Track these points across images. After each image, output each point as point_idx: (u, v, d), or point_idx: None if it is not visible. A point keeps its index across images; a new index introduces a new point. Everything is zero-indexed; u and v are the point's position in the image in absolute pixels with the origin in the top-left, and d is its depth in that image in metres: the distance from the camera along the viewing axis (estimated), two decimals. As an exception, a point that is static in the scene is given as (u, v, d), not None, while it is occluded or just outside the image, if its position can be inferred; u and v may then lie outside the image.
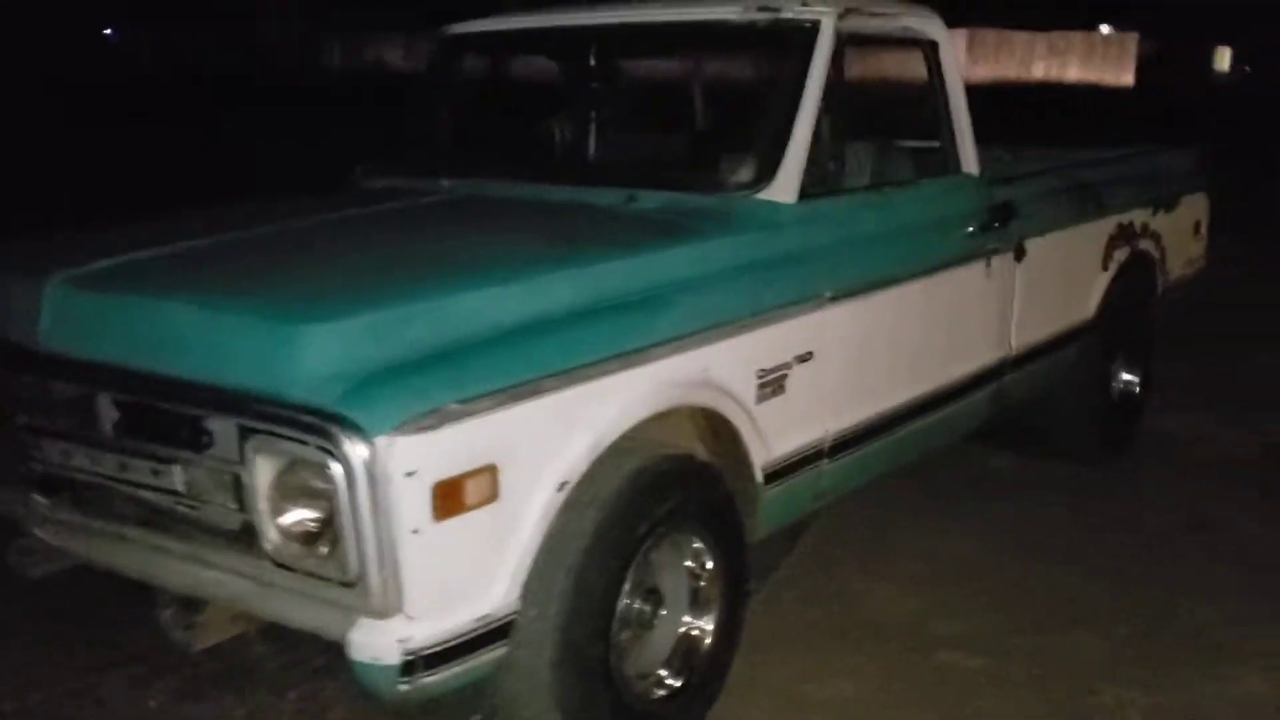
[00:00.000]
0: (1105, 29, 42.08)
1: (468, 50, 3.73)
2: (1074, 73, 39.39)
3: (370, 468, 1.88)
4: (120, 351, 2.21)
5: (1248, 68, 52.75)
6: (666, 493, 2.39)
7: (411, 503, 1.92)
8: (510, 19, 3.57)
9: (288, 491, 2.00)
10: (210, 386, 2.05)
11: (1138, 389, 4.68)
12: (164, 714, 2.76)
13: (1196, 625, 3.17)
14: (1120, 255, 4.32)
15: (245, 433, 1.99)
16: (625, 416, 2.28)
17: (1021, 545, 3.70)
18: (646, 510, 2.34)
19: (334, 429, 1.88)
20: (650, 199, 2.91)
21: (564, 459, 2.18)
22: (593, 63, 3.62)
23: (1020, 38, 39.80)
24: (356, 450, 1.87)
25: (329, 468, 1.89)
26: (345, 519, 1.91)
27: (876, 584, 3.44)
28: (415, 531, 1.93)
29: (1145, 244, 4.50)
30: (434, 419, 1.94)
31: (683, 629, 2.59)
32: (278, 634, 2.72)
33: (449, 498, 1.98)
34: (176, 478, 2.14)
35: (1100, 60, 40.85)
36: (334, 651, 2.86)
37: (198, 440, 2.09)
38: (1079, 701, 2.81)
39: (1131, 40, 41.80)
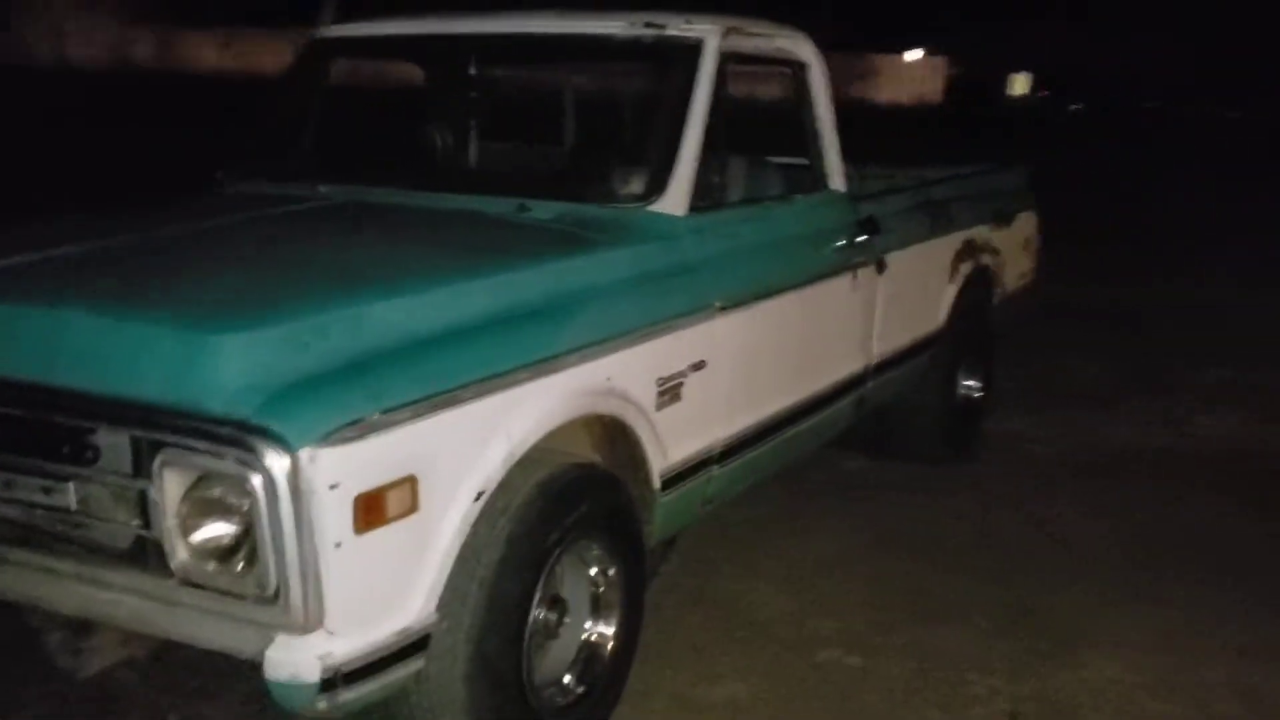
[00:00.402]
0: (918, 53, 44.17)
1: (339, 54, 3.65)
2: (886, 93, 41.13)
3: (292, 480, 1.83)
4: (5, 362, 2.08)
5: (1045, 91, 56.51)
6: (575, 501, 2.41)
7: (334, 515, 1.88)
8: (387, 24, 3.51)
9: (198, 507, 1.93)
10: (112, 399, 1.96)
11: (979, 394, 4.95)
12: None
13: (1049, 615, 3.37)
14: (965, 268, 4.56)
15: (152, 447, 1.91)
16: (538, 426, 2.29)
17: (882, 543, 3.87)
18: (556, 519, 2.35)
19: (254, 441, 1.83)
20: (542, 209, 2.92)
21: (481, 469, 2.17)
22: (474, 71, 3.60)
23: (836, 59, 41.24)
24: (278, 463, 1.82)
25: (248, 481, 1.84)
26: (265, 533, 1.86)
27: (754, 584, 3.53)
28: (337, 545, 1.89)
29: (986, 258, 4.77)
30: (356, 430, 1.91)
31: (584, 636, 2.61)
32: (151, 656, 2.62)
33: (371, 510, 1.94)
34: (70, 496, 2.03)
35: (912, 82, 42.84)
36: (210, 673, 2.84)
37: (95, 456, 1.99)
38: (954, 692, 2.95)
39: (942, 64, 44.08)
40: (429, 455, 2.06)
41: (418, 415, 2.02)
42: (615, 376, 2.52)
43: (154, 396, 1.93)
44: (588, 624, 2.61)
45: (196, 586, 1.97)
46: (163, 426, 1.90)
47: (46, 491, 2.05)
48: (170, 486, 1.92)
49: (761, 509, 4.02)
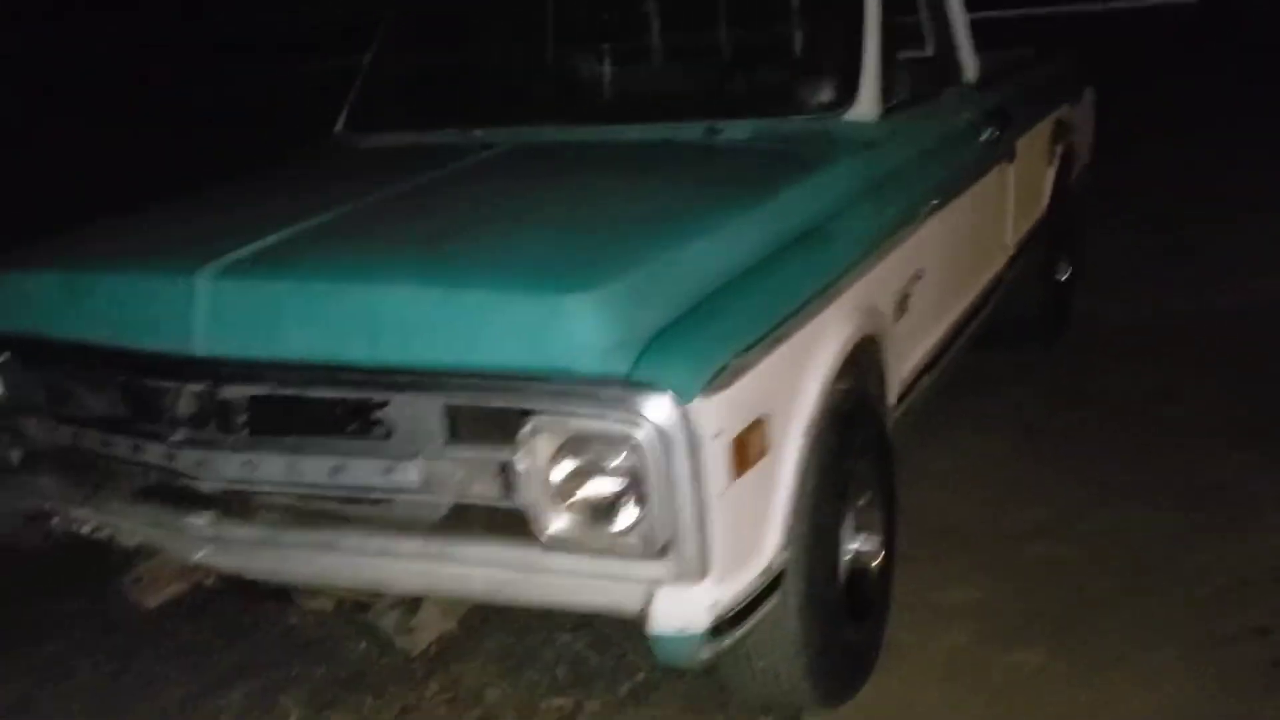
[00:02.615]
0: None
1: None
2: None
3: (684, 433, 1.79)
4: (315, 346, 1.99)
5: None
6: (858, 426, 2.39)
7: (718, 464, 1.85)
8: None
9: (575, 470, 1.88)
10: (463, 372, 1.88)
11: (1070, 276, 4.99)
12: (306, 727, 2.57)
13: (1223, 488, 3.41)
14: (1059, 150, 4.56)
15: (519, 416, 1.85)
16: (839, 353, 2.26)
17: (1027, 435, 3.89)
18: (850, 446, 2.34)
19: (642, 398, 1.78)
20: (733, 129, 2.84)
21: (804, 403, 2.14)
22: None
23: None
24: (669, 417, 1.78)
25: (636, 437, 1.79)
26: (654, 488, 1.82)
27: (924, 490, 3.48)
28: (720, 493, 1.86)
29: (1071, 138, 4.77)
30: (727, 376, 1.87)
31: (849, 557, 2.61)
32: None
33: (742, 455, 1.91)
34: (413, 473, 1.97)
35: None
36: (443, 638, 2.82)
37: (441, 431, 1.93)
38: (1175, 568, 3.01)
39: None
40: (771, 395, 2.03)
41: (763, 354, 1.98)
42: (874, 293, 2.50)
43: (508, 363, 1.86)
44: (852, 545, 2.61)
45: (564, 550, 1.93)
46: (531, 394, 1.84)
47: (387, 472, 1.98)
48: (540, 453, 1.87)
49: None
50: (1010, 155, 3.76)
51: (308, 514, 2.27)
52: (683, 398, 1.79)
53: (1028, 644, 2.71)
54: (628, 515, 1.87)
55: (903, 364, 2.75)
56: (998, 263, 3.73)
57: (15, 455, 2.42)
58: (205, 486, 2.14)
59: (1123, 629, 2.74)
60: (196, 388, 2.07)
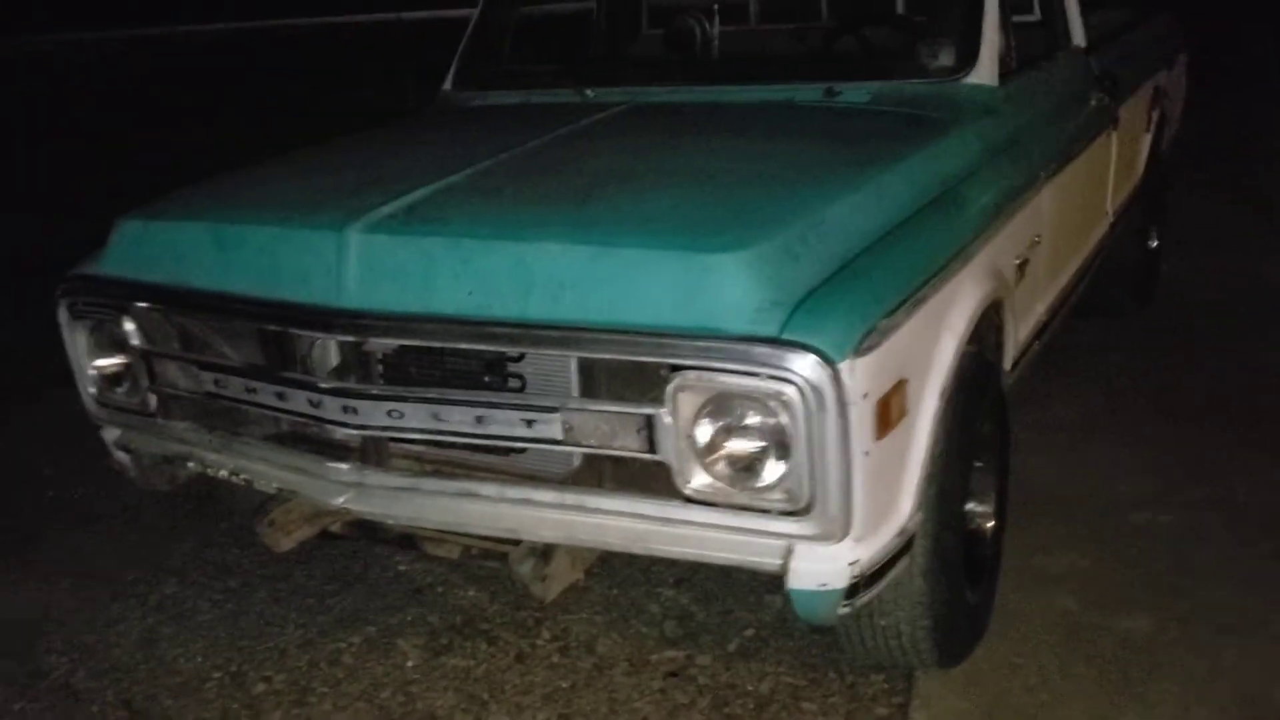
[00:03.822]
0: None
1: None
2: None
3: (835, 393, 1.81)
4: (465, 301, 2.03)
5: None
6: (983, 390, 2.40)
7: (865, 424, 1.87)
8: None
9: (722, 427, 1.90)
10: (612, 328, 1.91)
11: (1158, 242, 4.94)
12: (426, 671, 2.63)
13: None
14: (1156, 116, 4.50)
15: (667, 372, 1.88)
16: (971, 316, 2.27)
17: (1118, 403, 3.88)
18: (976, 410, 2.35)
19: (795, 358, 1.80)
20: (851, 91, 2.84)
21: (939, 366, 2.15)
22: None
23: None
24: (821, 377, 1.80)
25: (785, 395, 1.81)
26: (801, 447, 1.84)
27: (1028, 458, 3.52)
28: (866, 453, 1.88)
29: (1166, 104, 4.70)
30: (875, 337, 1.88)
31: (966, 520, 2.63)
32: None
33: (885, 416, 1.93)
34: (558, 427, 2.00)
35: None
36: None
37: (586, 385, 1.97)
38: (1273, 540, 3.00)
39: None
40: (912, 357, 2.04)
41: (906, 316, 1.99)
42: (1000, 258, 2.49)
43: (658, 322, 1.88)
44: (969, 507, 2.62)
45: (705, 504, 1.96)
46: (684, 352, 1.86)
47: (529, 424, 2.02)
48: (685, 409, 1.90)
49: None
50: (1115, 121, 3.71)
51: (439, 464, 2.34)
52: (834, 358, 1.80)
53: (1136, 611, 2.71)
54: (772, 471, 1.90)
55: (1020, 329, 2.75)
56: (1101, 229, 3.70)
57: (153, 400, 2.48)
58: (352, 434, 2.19)
59: (1231, 598, 2.74)
60: (345, 339, 2.12)
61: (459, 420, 2.08)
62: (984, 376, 2.44)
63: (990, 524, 2.64)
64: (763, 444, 1.90)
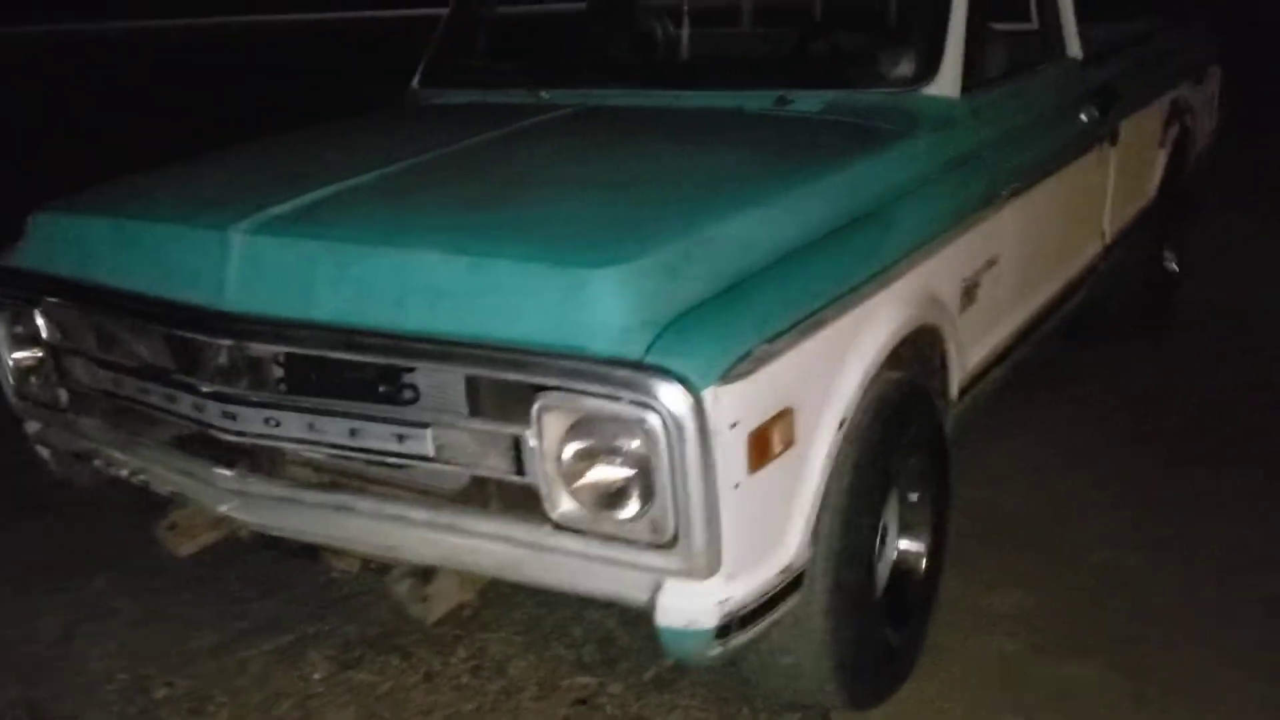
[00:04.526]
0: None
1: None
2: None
3: (696, 422, 1.69)
4: (343, 308, 1.95)
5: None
6: (908, 420, 2.27)
7: (734, 455, 1.75)
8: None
9: (584, 452, 1.80)
10: (482, 344, 1.82)
11: (1176, 265, 4.72)
12: (331, 685, 2.57)
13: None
14: (1174, 132, 4.30)
15: (533, 391, 1.79)
16: (886, 342, 2.14)
17: (1106, 433, 3.69)
18: (895, 441, 2.22)
19: (654, 382, 1.69)
20: (804, 100, 2.71)
21: (841, 395, 2.03)
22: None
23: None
24: (681, 404, 1.69)
25: (647, 424, 1.71)
26: (663, 477, 1.74)
27: (990, 487, 3.35)
28: (735, 485, 1.77)
29: (1188, 120, 4.49)
30: (749, 364, 1.77)
31: (896, 555, 2.50)
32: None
33: (761, 447, 1.82)
34: (428, 443, 1.92)
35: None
36: (481, 601, 2.79)
37: (457, 402, 1.88)
38: (1251, 587, 2.82)
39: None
40: (801, 384, 1.92)
41: (794, 342, 1.88)
42: (934, 280, 2.36)
43: (529, 338, 1.79)
44: (900, 544, 2.50)
45: (574, 533, 1.86)
46: (546, 371, 1.76)
47: (400, 439, 1.94)
48: (550, 431, 1.80)
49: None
50: (1113, 137, 3.54)
51: (338, 473, 2.27)
52: (697, 385, 1.70)
53: (1080, 658, 2.57)
54: (637, 502, 1.79)
55: (967, 355, 2.61)
56: (1091, 251, 3.53)
57: (63, 395, 2.45)
58: (231, 440, 2.13)
59: (1186, 651, 2.57)
60: (225, 342, 2.05)
61: (334, 432, 2.00)
62: (913, 406, 2.31)
63: (923, 562, 2.50)
64: (629, 472, 1.79)
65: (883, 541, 2.37)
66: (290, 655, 2.65)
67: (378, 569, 2.25)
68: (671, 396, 1.69)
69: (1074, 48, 3.40)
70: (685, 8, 3.18)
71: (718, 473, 1.74)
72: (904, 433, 2.26)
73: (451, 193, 2.20)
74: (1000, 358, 2.86)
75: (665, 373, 1.69)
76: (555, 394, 1.77)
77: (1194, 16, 5.14)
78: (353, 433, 1.98)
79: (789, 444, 1.89)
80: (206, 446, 2.29)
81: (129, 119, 11.56)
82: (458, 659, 2.63)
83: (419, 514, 2.01)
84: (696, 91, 2.89)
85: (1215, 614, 2.72)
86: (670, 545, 1.79)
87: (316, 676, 2.59)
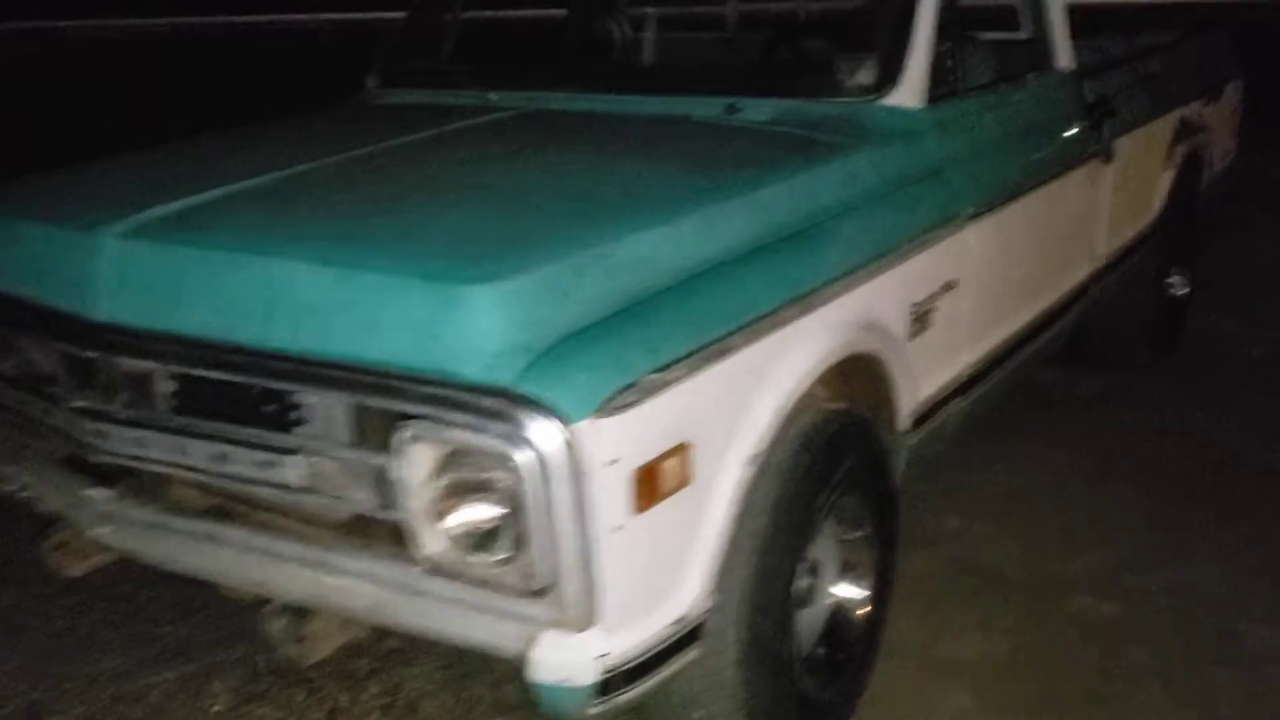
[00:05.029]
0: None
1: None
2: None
3: (568, 458, 1.53)
4: (210, 322, 1.80)
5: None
6: (840, 455, 2.08)
7: (613, 495, 1.59)
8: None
9: (451, 487, 1.64)
10: (347, 364, 1.67)
11: (1185, 290, 4.48)
12: (230, 718, 2.42)
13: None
14: (1181, 151, 4.07)
15: (396, 419, 1.63)
16: (807, 372, 1.96)
17: (1103, 470, 3.47)
18: (824, 477, 2.04)
19: (522, 414, 1.53)
20: (754, 109, 2.54)
21: (751, 428, 1.85)
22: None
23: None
24: (550, 438, 1.52)
25: (514, 460, 1.54)
26: (533, 519, 1.57)
27: (972, 522, 3.17)
28: (616, 529, 1.60)
29: (1200, 138, 4.26)
30: (633, 394, 1.60)
31: (832, 601, 2.31)
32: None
33: (648, 486, 1.64)
34: (291, 471, 1.76)
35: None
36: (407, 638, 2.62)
37: (318, 428, 1.72)
38: (1232, 644, 2.60)
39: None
40: (700, 417, 1.74)
41: (692, 371, 1.70)
42: (874, 306, 2.18)
43: (396, 360, 1.63)
44: (837, 588, 2.30)
45: (446, 576, 1.70)
46: (408, 396, 1.61)
47: (266, 466, 1.78)
48: (417, 464, 1.64)
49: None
50: (1107, 154, 3.33)
51: (229, 499, 2.11)
52: (569, 418, 1.53)
53: (1040, 717, 2.36)
54: (508, 545, 1.63)
55: (920, 385, 2.42)
56: (1080, 273, 3.32)
57: (-43, 405, 2.32)
58: (101, 459, 1.99)
59: (1157, 714, 2.37)
60: (92, 355, 1.91)
61: (201, 455, 1.85)
62: (848, 440, 2.13)
63: (863, 609, 2.31)
64: (500, 512, 1.62)
65: (814, 586, 2.19)
66: (193, 685, 2.51)
67: (263, 603, 2.10)
68: (541, 430, 1.52)
69: (1064, 59, 3.21)
70: (634, 11, 3.01)
71: (594, 515, 1.57)
72: (836, 467, 2.07)
73: (343, 199, 2.04)
74: (965, 387, 2.66)
75: (535, 403, 1.53)
76: (422, 423, 1.61)
77: (1215, 29, 4.92)
78: (218, 457, 1.83)
79: (684, 482, 1.72)
80: (92, 465, 2.16)
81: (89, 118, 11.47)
82: (369, 695, 2.48)
83: (288, 548, 1.86)
84: (647, 97, 2.72)
85: (1194, 673, 2.50)
86: (543, 594, 1.62)
87: (216, 709, 2.44)
